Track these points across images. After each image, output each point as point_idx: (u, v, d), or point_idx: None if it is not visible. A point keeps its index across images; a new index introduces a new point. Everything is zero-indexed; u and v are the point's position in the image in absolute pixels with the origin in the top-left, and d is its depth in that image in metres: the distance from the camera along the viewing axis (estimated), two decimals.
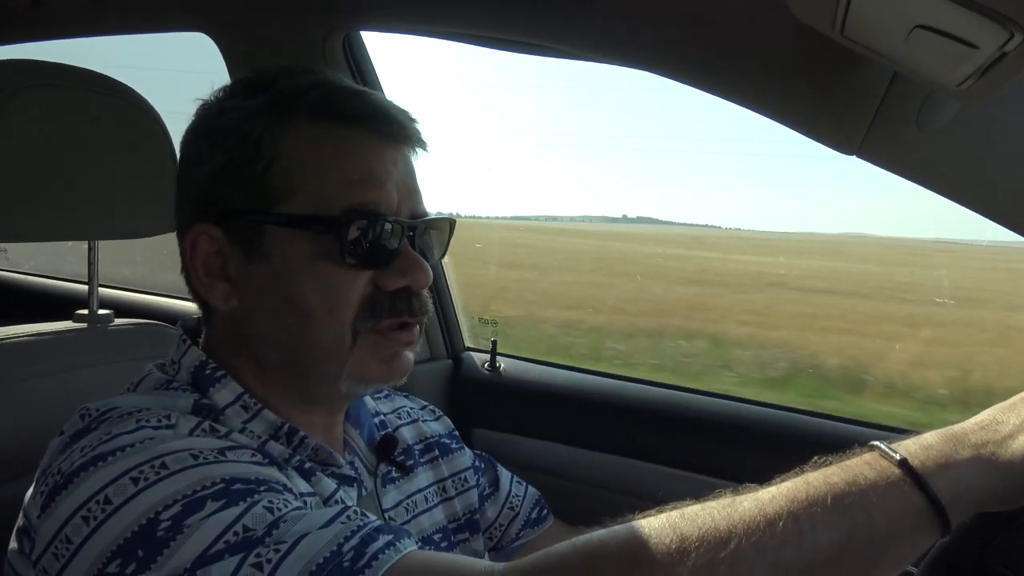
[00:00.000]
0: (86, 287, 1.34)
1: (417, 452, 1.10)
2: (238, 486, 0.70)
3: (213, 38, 1.76)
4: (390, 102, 0.90)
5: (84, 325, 1.28)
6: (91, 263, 1.33)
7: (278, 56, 1.69)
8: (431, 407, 1.23)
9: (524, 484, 1.25)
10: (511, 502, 1.20)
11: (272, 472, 0.76)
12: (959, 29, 0.69)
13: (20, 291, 2.75)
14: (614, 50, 1.26)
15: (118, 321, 1.32)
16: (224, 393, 0.86)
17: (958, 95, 0.86)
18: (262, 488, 0.71)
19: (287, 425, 0.87)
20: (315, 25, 1.64)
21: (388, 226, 0.85)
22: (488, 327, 2.08)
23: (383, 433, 1.05)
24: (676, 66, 1.17)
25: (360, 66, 1.76)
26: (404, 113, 0.90)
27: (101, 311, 1.31)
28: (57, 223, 1.17)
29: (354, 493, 0.92)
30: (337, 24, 1.64)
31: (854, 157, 1.11)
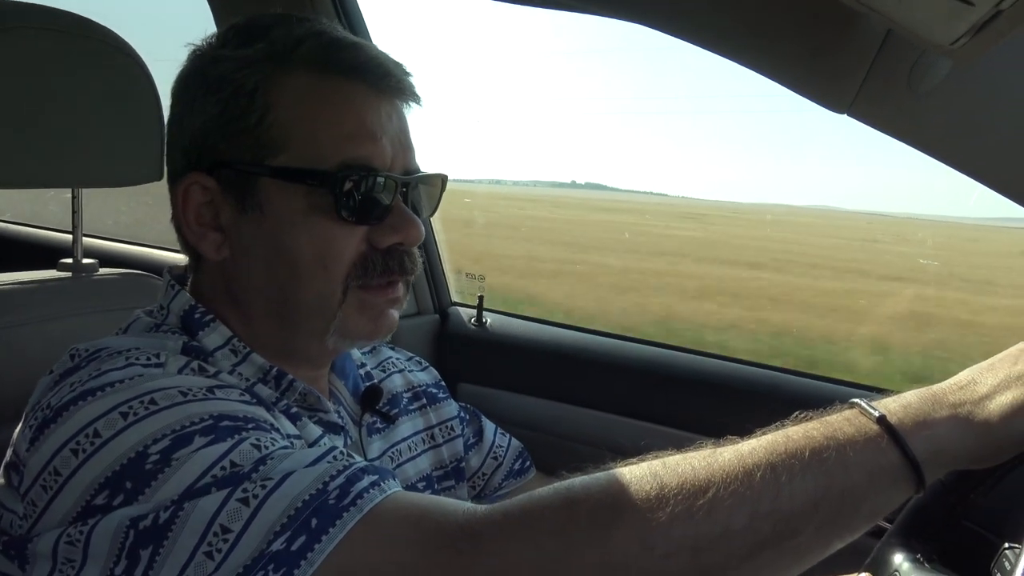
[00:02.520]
0: (70, 236, 1.32)
1: (405, 400, 1.11)
2: (226, 423, 0.71)
3: None
4: (385, 55, 0.89)
5: (68, 274, 1.27)
6: (75, 211, 1.32)
7: (263, 2, 1.66)
8: (417, 358, 1.24)
9: (507, 435, 1.27)
10: (495, 452, 1.22)
11: (260, 411, 0.77)
12: None
13: (3, 240, 2.71)
14: (606, 2, 1.24)
15: (103, 271, 1.31)
16: (214, 336, 0.87)
17: (951, 53, 0.86)
18: (250, 426, 0.72)
19: (275, 368, 0.87)
20: None
21: (382, 181, 0.85)
22: (474, 282, 2.08)
23: (368, 384, 1.05)
24: (668, 19, 1.16)
25: (350, 19, 1.74)
26: (399, 66, 0.89)
27: (86, 260, 1.30)
28: (40, 170, 1.15)
29: (340, 441, 0.93)
30: None
31: (845, 115, 1.11)
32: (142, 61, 1.22)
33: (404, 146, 0.89)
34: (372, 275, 0.86)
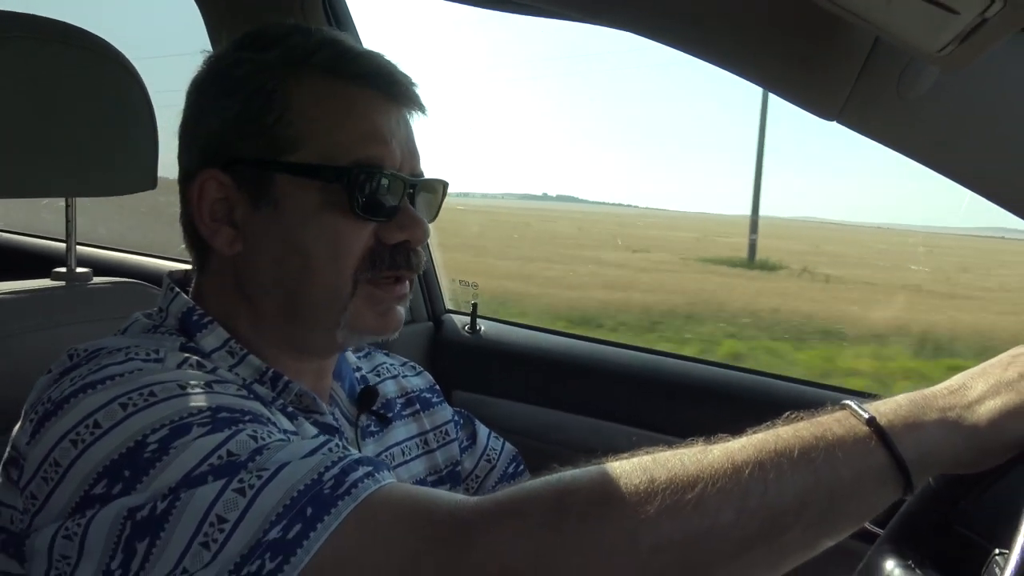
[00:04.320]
0: (64, 245, 1.32)
1: (398, 405, 1.12)
2: (224, 414, 0.72)
3: None
4: (394, 64, 0.93)
5: (62, 283, 1.27)
6: (69, 220, 1.32)
7: (255, 8, 1.66)
8: (411, 363, 1.25)
9: (501, 439, 1.27)
10: (488, 455, 1.23)
11: (257, 406, 0.78)
12: None
13: None
14: (593, 9, 1.25)
15: (96, 279, 1.31)
16: (211, 339, 0.89)
17: (938, 61, 0.86)
18: (247, 418, 0.74)
19: (271, 370, 0.89)
20: None
21: (393, 181, 0.88)
22: (468, 289, 2.09)
23: (364, 386, 1.07)
24: (656, 27, 1.17)
25: (340, 24, 1.74)
26: (407, 76, 0.93)
27: (79, 269, 1.30)
28: (33, 179, 1.16)
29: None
30: None
31: (834, 122, 1.12)
32: (136, 72, 1.22)
33: (411, 151, 0.93)
34: (380, 269, 0.89)
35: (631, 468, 0.66)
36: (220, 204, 0.90)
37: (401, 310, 0.94)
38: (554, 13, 1.35)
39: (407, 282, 0.94)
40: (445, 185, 1.00)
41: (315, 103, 0.88)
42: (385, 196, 0.88)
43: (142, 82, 1.22)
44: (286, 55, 0.89)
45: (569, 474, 0.68)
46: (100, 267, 1.36)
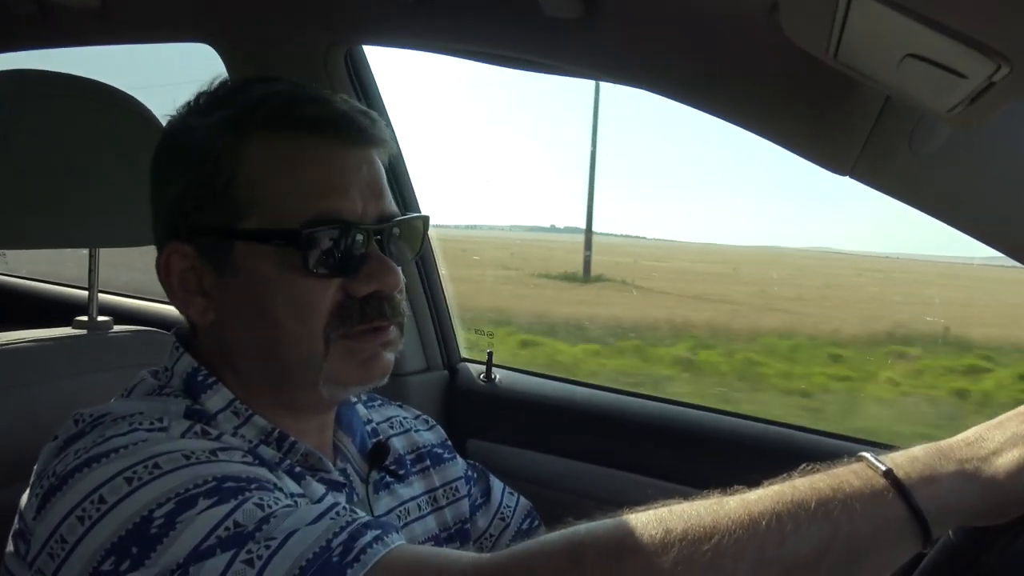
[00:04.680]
0: (86, 293, 1.35)
1: (408, 462, 1.11)
2: (229, 484, 0.72)
3: (216, 49, 1.77)
4: (352, 104, 0.90)
5: (84, 331, 1.29)
6: (91, 270, 1.34)
7: (279, 69, 1.70)
8: (424, 416, 1.23)
9: (516, 495, 1.25)
10: (502, 512, 1.21)
11: (263, 472, 0.78)
12: (948, 59, 0.70)
13: (20, 296, 2.75)
14: (610, 68, 1.27)
15: (117, 328, 1.33)
16: (216, 399, 0.88)
17: (949, 120, 0.88)
18: (253, 486, 0.73)
19: (277, 430, 0.88)
20: (317, 39, 1.66)
21: (353, 233, 0.85)
22: (484, 338, 2.09)
23: (375, 440, 1.06)
24: (671, 85, 1.19)
25: (361, 80, 1.78)
26: (365, 114, 0.90)
27: (101, 317, 1.32)
28: (59, 230, 1.18)
29: (343, 499, 0.93)
30: (339, 38, 1.66)
31: (847, 177, 1.13)
32: (159, 123, 1.25)
33: (376, 194, 0.89)
34: (351, 324, 0.86)
35: (646, 520, 0.66)
36: (189, 275, 0.88)
37: (388, 356, 0.91)
38: (571, 72, 1.37)
39: (391, 328, 0.90)
40: (425, 220, 0.97)
41: (262, 162, 0.85)
42: (346, 250, 0.85)
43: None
44: (229, 116, 0.86)
45: (584, 527, 0.67)
46: (121, 315, 1.38)
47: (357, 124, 0.88)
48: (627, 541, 0.64)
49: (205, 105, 0.90)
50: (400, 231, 0.92)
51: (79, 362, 1.23)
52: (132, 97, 1.24)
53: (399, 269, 0.89)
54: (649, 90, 1.18)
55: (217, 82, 0.92)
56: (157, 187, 0.92)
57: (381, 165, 0.92)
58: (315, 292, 0.85)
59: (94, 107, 1.19)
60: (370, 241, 0.87)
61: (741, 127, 1.15)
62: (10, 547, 0.78)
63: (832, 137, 1.12)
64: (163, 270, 0.89)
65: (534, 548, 0.67)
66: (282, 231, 0.83)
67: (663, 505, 0.68)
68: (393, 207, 0.91)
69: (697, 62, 1.16)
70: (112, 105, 1.21)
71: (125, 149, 1.22)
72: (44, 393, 1.16)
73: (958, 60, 0.69)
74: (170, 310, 2.42)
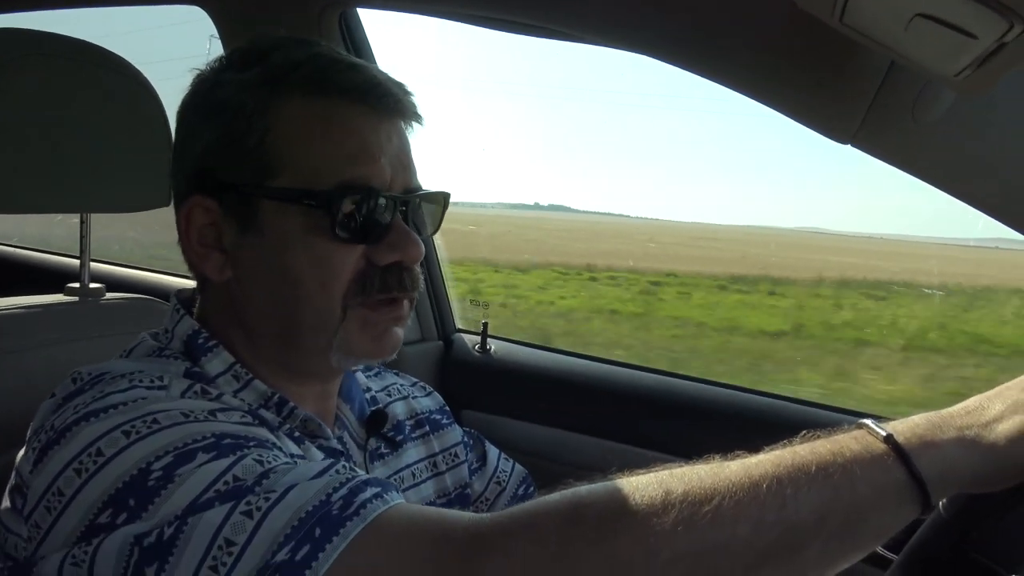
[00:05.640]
0: (77, 261, 1.33)
1: (408, 428, 1.11)
2: (228, 440, 0.72)
3: (209, 12, 1.75)
4: (385, 74, 0.90)
5: (75, 299, 1.28)
6: (83, 236, 1.33)
7: (273, 31, 1.68)
8: (421, 384, 1.23)
9: (511, 461, 1.26)
10: (498, 476, 1.22)
11: (262, 431, 0.77)
12: (959, 18, 0.69)
13: (11, 264, 2.73)
14: (614, 33, 1.25)
15: (109, 295, 1.31)
16: (216, 363, 0.87)
17: (955, 85, 0.87)
18: (252, 443, 0.73)
19: (277, 395, 0.88)
20: (312, 1, 1.63)
21: (380, 201, 0.85)
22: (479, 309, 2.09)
23: (373, 408, 1.06)
24: (675, 51, 1.17)
25: (356, 43, 1.76)
26: (399, 86, 0.89)
27: (92, 285, 1.31)
28: (49, 195, 1.16)
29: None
30: (333, 0, 1.63)
31: (848, 146, 1.12)
32: (152, 88, 1.23)
33: (404, 166, 0.89)
34: (371, 292, 0.86)
35: (647, 482, 0.66)
36: (208, 230, 0.88)
37: (399, 331, 0.91)
38: (572, 37, 1.36)
39: (404, 303, 0.91)
40: (446, 197, 0.97)
41: (297, 123, 0.85)
42: (372, 217, 0.85)
43: (158, 98, 1.23)
44: (266, 74, 0.86)
45: (585, 487, 0.67)
46: (113, 283, 1.37)
47: (392, 94, 0.87)
48: (627, 502, 0.64)
49: (238, 62, 0.89)
50: (423, 205, 0.93)
51: (71, 329, 1.22)
52: (126, 61, 1.21)
53: (421, 241, 0.89)
54: (650, 55, 1.17)
55: (248, 42, 0.91)
56: (182, 140, 0.91)
57: (408, 138, 0.91)
58: (338, 256, 0.85)
59: (85, 68, 1.16)
60: (395, 211, 0.87)
61: (742, 93, 1.14)
62: (6, 503, 0.77)
63: (834, 105, 1.11)
64: (183, 224, 0.88)
65: (534, 508, 0.67)
66: (312, 192, 0.83)
67: (664, 468, 0.68)
68: (418, 180, 0.92)
69: (699, 27, 1.15)
70: (103, 67, 1.18)
71: (118, 112, 1.20)
72: (36, 360, 1.14)
73: (969, 19, 0.68)
74: (163, 279, 2.43)
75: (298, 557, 0.63)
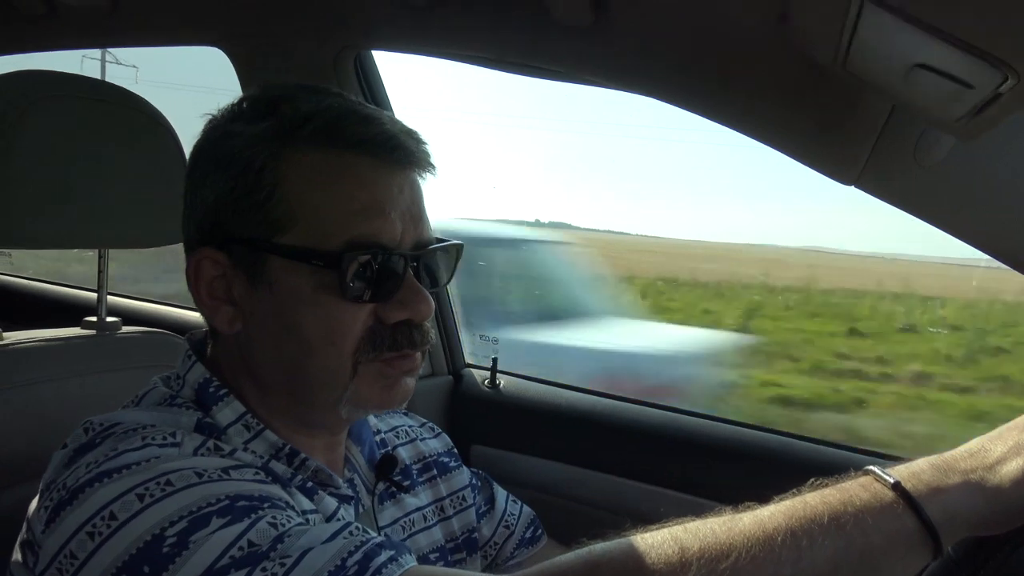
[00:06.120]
0: (95, 295, 1.35)
1: (415, 472, 1.11)
2: (242, 503, 0.71)
3: (227, 53, 1.78)
4: (398, 124, 0.89)
5: (92, 332, 1.29)
6: (100, 271, 1.35)
7: (290, 73, 1.71)
8: (430, 424, 1.23)
9: (519, 503, 1.25)
10: (506, 520, 1.21)
11: (275, 490, 0.77)
12: (956, 70, 0.71)
13: (29, 297, 2.76)
14: (615, 75, 1.28)
15: (125, 329, 1.33)
16: (227, 412, 0.87)
17: (955, 131, 0.88)
18: (266, 505, 0.72)
19: (288, 446, 0.87)
20: (328, 43, 1.66)
21: (390, 259, 0.84)
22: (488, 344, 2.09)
23: (383, 451, 1.05)
24: (677, 92, 1.19)
25: (371, 84, 1.78)
26: (412, 135, 0.88)
27: (109, 318, 1.32)
28: (68, 231, 1.18)
29: (352, 511, 0.93)
30: (349, 43, 1.66)
31: (852, 188, 1.13)
32: (169, 125, 1.26)
33: (416, 218, 0.88)
34: (380, 350, 0.86)
35: (661, 539, 0.66)
36: (218, 282, 0.87)
37: (410, 381, 0.90)
38: (577, 78, 1.38)
39: (416, 355, 0.89)
40: (459, 248, 0.96)
41: (306, 178, 0.83)
42: (382, 275, 0.84)
43: (175, 135, 1.26)
44: (276, 127, 0.84)
45: (599, 547, 0.67)
46: (130, 317, 1.39)
47: (404, 146, 0.86)
48: (644, 562, 0.64)
49: (248, 112, 0.88)
50: (436, 256, 0.92)
51: (87, 362, 1.23)
52: (142, 98, 1.24)
53: (431, 298, 0.88)
54: (657, 98, 1.19)
55: (260, 90, 0.91)
56: (192, 190, 0.89)
57: (422, 188, 0.90)
58: (347, 315, 0.84)
59: (104, 108, 1.19)
60: (406, 268, 0.86)
61: (747, 136, 1.15)
62: (17, 556, 0.78)
63: (838, 147, 1.13)
64: (192, 275, 0.87)
65: (552, 569, 0.67)
66: (320, 252, 0.82)
67: (676, 523, 0.68)
68: (430, 232, 0.90)
69: (705, 71, 1.16)
70: (122, 106, 1.21)
71: (135, 149, 1.23)
72: (52, 392, 1.16)
73: (965, 71, 0.70)
74: (180, 313, 2.45)
75: None
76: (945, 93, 0.76)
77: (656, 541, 0.65)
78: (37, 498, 0.79)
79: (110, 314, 1.33)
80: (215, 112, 0.91)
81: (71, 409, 1.12)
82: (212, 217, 0.86)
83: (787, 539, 0.64)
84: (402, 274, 0.86)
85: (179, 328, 1.35)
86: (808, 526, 0.65)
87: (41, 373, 1.17)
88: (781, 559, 0.64)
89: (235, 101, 0.91)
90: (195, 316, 2.31)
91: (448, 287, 2.00)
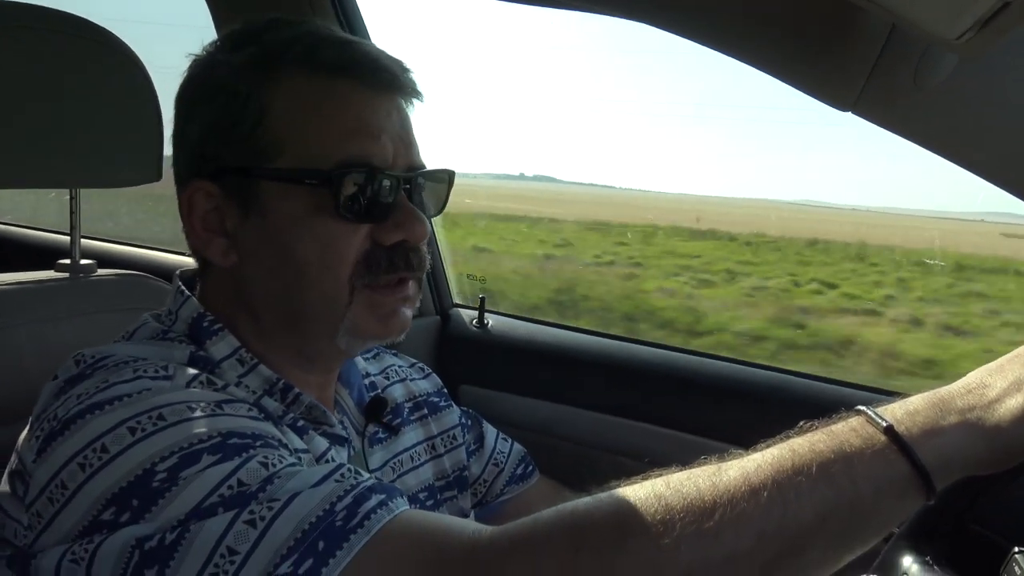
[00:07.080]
0: (68, 237, 1.32)
1: (406, 410, 1.10)
2: (234, 440, 0.70)
3: None
4: (381, 51, 0.88)
5: (66, 275, 1.27)
6: (73, 212, 1.31)
7: (264, 5, 1.65)
8: (420, 365, 1.23)
9: (509, 440, 1.25)
10: (496, 458, 1.21)
11: (268, 427, 0.76)
12: None
13: (1, 241, 2.71)
14: (611, 1, 1.23)
15: (100, 272, 1.30)
16: (221, 346, 0.86)
17: (957, 48, 0.85)
18: (258, 443, 0.72)
19: (282, 381, 0.87)
20: None
21: (384, 180, 0.84)
22: (476, 283, 2.07)
23: (372, 394, 1.05)
24: (672, 18, 1.15)
25: (350, 21, 1.74)
26: (396, 62, 0.88)
27: (83, 261, 1.29)
28: (38, 170, 1.15)
29: (344, 453, 0.92)
30: None
31: (849, 113, 1.10)
32: (141, 63, 1.21)
33: (406, 143, 0.88)
34: (378, 273, 0.86)
35: (645, 495, 0.64)
36: (211, 215, 0.87)
37: (407, 312, 0.91)
38: (570, 5, 1.33)
39: (411, 283, 0.90)
40: (451, 175, 0.96)
41: (293, 103, 0.84)
42: (376, 196, 0.84)
43: (146, 72, 1.21)
44: (259, 54, 0.85)
45: (583, 505, 0.66)
46: (104, 260, 1.35)
47: (388, 68, 0.86)
48: (627, 520, 0.63)
49: (231, 44, 0.88)
50: (427, 183, 0.91)
51: (62, 306, 1.21)
52: (112, 33, 1.19)
53: (427, 220, 0.88)
54: (649, 24, 1.15)
55: (241, 24, 0.90)
56: (180, 124, 0.90)
57: (409, 116, 0.90)
58: (344, 237, 0.84)
59: (74, 42, 1.14)
60: (399, 189, 0.86)
61: (740, 60, 1.12)
62: (6, 486, 0.77)
63: (834, 72, 1.09)
64: (185, 209, 0.87)
65: (534, 527, 0.66)
66: (313, 171, 0.83)
67: (659, 475, 0.66)
68: (421, 159, 0.90)
69: None
70: (91, 40, 1.16)
71: (105, 86, 1.18)
72: (26, 336, 1.14)
73: None
74: (155, 255, 2.42)
75: (301, 571, 0.62)
76: (948, 5, 0.73)
77: (639, 499, 0.64)
78: (27, 429, 0.79)
79: (84, 257, 1.30)
80: (198, 51, 0.91)
81: (48, 353, 1.10)
82: (201, 149, 0.87)
83: (773, 493, 0.63)
84: (396, 195, 0.86)
85: (155, 270, 1.32)
86: (796, 478, 0.64)
87: (15, 317, 1.14)
88: (767, 514, 0.62)
89: (219, 36, 0.91)
90: (171, 258, 2.29)
91: (435, 229, 1.98)
